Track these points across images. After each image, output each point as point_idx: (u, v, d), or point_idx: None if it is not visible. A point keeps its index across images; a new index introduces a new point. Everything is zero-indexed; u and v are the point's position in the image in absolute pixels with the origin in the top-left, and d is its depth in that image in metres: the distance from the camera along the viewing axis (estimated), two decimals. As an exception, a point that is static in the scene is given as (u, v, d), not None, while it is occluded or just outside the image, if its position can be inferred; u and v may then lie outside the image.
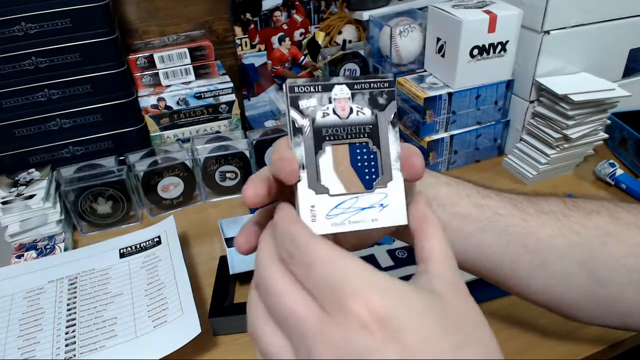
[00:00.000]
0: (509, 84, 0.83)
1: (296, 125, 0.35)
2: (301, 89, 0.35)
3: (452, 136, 0.84)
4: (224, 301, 0.61)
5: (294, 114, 0.35)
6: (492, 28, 0.77)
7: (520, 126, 0.85)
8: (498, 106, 0.85)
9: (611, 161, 0.81)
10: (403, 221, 0.36)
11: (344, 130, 0.35)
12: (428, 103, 0.80)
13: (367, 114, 0.36)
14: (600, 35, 0.81)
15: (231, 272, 0.62)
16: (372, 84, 0.36)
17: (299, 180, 0.34)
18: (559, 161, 0.82)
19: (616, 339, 0.56)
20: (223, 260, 0.66)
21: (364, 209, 0.35)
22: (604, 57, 0.83)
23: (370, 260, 0.67)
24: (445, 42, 0.81)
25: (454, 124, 0.84)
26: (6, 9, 0.70)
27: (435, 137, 0.84)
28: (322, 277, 0.27)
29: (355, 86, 0.36)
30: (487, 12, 0.77)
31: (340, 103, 0.35)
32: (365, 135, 0.36)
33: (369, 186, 0.35)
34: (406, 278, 0.64)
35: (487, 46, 0.78)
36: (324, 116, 0.35)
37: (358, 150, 0.36)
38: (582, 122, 0.77)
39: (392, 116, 0.36)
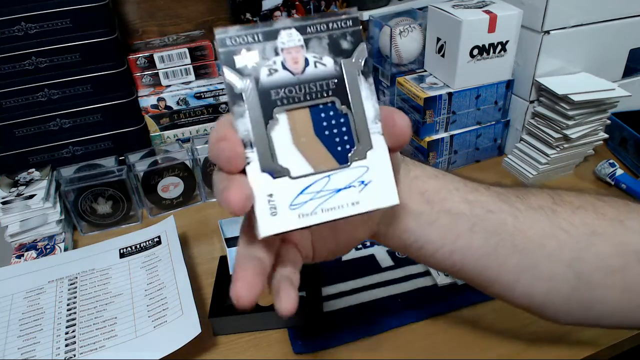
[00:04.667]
0: (509, 84, 0.83)
1: (235, 91, 0.27)
2: (235, 41, 0.27)
3: (452, 136, 0.84)
4: (224, 301, 0.61)
5: (229, 75, 0.27)
6: (492, 28, 0.77)
7: (520, 126, 0.85)
8: (498, 106, 0.85)
9: (611, 161, 0.81)
10: (393, 200, 0.28)
11: (300, 89, 0.27)
12: (428, 103, 0.80)
13: (328, 64, 0.28)
14: (600, 35, 0.81)
15: (231, 272, 0.62)
16: (330, 24, 0.28)
17: (248, 163, 0.27)
18: (559, 161, 0.82)
19: (614, 339, 0.56)
20: (223, 260, 0.66)
21: (339, 190, 0.28)
22: (604, 57, 0.83)
23: (370, 260, 0.67)
24: (445, 42, 0.81)
25: (454, 124, 0.84)
26: (6, 9, 0.70)
27: (435, 137, 0.84)
28: None
29: (309, 29, 0.28)
30: (487, 12, 0.77)
31: (291, 53, 0.27)
32: (330, 92, 0.28)
33: (342, 160, 0.28)
34: (407, 278, 0.64)
35: (487, 46, 0.78)
36: (270, 73, 0.27)
37: (323, 114, 0.28)
38: (582, 122, 0.77)
39: (363, 63, 0.28)
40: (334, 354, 0.56)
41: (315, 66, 0.28)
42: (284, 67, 0.27)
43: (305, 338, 0.57)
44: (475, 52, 0.78)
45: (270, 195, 0.27)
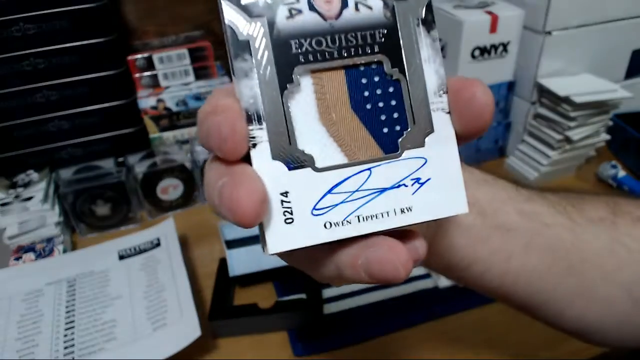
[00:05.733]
0: (511, 85, 0.83)
1: (238, 38, 0.19)
2: None
3: (453, 137, 0.84)
4: (224, 304, 0.60)
5: (231, 14, 0.19)
6: (493, 29, 0.77)
7: (522, 127, 0.85)
8: (499, 107, 0.85)
9: (613, 163, 0.81)
10: (461, 207, 0.21)
11: (333, 41, 0.19)
12: (429, 104, 0.79)
13: (375, 7, 0.20)
14: (603, 36, 0.80)
15: (231, 275, 0.62)
16: None
17: (253, 146, 0.19)
18: (561, 163, 0.81)
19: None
20: (223, 263, 0.66)
21: (385, 190, 0.20)
22: (606, 58, 0.83)
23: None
24: (446, 43, 0.80)
25: (455, 125, 0.84)
26: (4, 9, 0.69)
27: (436, 138, 0.83)
28: None
29: None
30: (489, 12, 0.76)
31: None
32: (376, 49, 0.20)
33: (390, 147, 0.20)
34: (408, 280, 0.63)
35: (488, 47, 0.78)
36: (291, 15, 0.19)
37: (364, 80, 0.20)
38: (583, 123, 0.77)
39: (424, 9, 0.20)
40: (334, 357, 0.56)
41: (357, 9, 0.20)
42: (312, 8, 0.19)
43: (305, 340, 0.57)
44: (477, 53, 0.78)
45: (285, 194, 0.19)
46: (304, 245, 0.20)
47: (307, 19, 0.19)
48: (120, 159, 0.82)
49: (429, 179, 0.20)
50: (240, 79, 0.19)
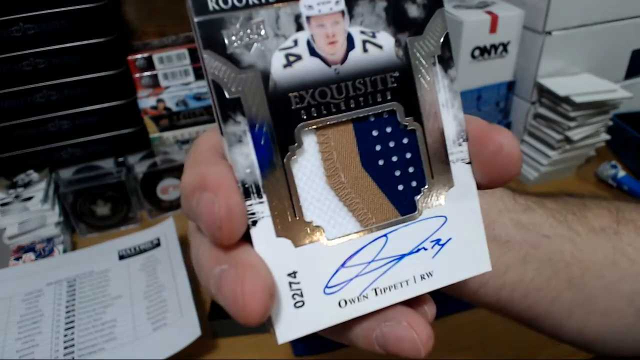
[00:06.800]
0: (511, 85, 0.83)
1: (226, 95, 0.16)
2: (226, 2, 0.16)
3: (453, 137, 0.84)
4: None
5: (215, 66, 0.16)
6: (493, 29, 0.77)
7: (522, 127, 0.85)
8: (499, 107, 0.85)
9: (613, 163, 0.81)
10: (484, 266, 0.20)
11: (339, 91, 0.17)
12: (429, 104, 0.79)
13: (385, 46, 0.17)
14: (603, 36, 0.80)
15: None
16: None
17: (254, 223, 0.17)
18: (561, 163, 0.81)
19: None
20: (223, 263, 0.66)
21: (403, 257, 0.18)
22: (606, 58, 0.83)
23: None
24: (446, 43, 0.80)
25: (455, 125, 0.84)
26: (4, 9, 0.69)
27: (436, 138, 0.83)
28: None
29: None
30: (489, 12, 0.76)
31: (325, 27, 0.16)
32: (388, 96, 0.17)
33: (407, 207, 0.18)
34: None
35: (488, 47, 0.78)
36: (289, 63, 0.16)
37: (375, 133, 0.18)
38: (583, 123, 0.77)
39: (440, 46, 0.18)
40: (334, 357, 0.56)
41: (365, 49, 0.17)
42: (312, 52, 0.17)
43: (305, 340, 0.57)
44: (477, 53, 0.78)
45: (293, 275, 0.17)
46: (317, 330, 0.18)
47: (308, 66, 0.17)
48: (120, 159, 0.82)
49: (449, 239, 0.19)
50: (233, 145, 0.16)
